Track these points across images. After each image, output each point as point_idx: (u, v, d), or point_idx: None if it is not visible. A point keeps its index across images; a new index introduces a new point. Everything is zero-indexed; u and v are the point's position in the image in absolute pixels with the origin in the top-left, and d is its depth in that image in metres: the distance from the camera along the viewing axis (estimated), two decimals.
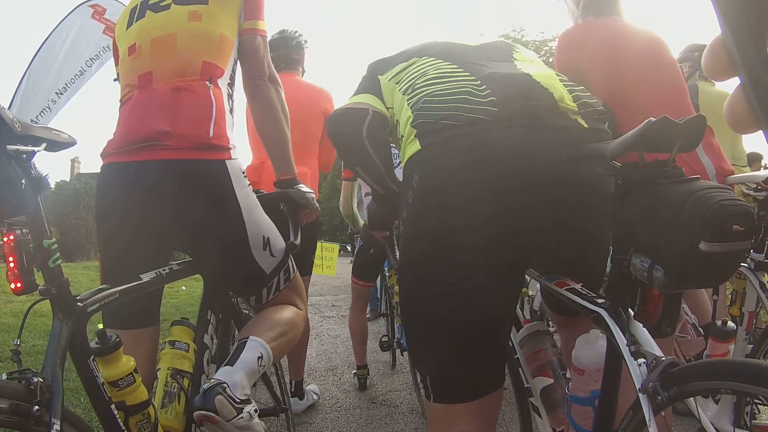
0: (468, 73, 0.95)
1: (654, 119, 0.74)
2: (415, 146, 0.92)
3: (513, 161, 0.86)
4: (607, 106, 1.03)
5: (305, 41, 2.55)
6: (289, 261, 1.39)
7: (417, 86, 0.99)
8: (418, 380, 2.52)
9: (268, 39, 1.41)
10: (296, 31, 2.54)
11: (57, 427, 0.80)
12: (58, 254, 0.90)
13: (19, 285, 0.86)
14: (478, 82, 0.92)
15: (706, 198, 0.71)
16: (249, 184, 1.29)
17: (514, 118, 0.87)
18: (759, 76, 0.56)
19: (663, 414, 0.76)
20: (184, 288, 5.48)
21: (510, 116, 0.87)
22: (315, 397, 2.62)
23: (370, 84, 1.16)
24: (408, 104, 0.99)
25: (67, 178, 26.12)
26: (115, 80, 1.42)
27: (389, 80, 1.11)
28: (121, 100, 1.31)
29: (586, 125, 0.92)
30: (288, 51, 2.47)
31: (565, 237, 0.94)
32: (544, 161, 0.87)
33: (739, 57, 0.55)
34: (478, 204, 0.87)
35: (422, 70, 1.03)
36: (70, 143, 0.95)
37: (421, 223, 0.92)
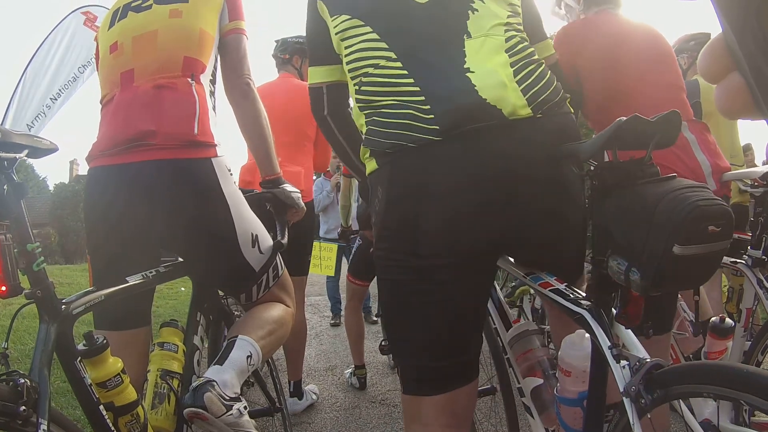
0: (412, 80, 0.93)
1: (624, 118, 0.73)
2: (373, 164, 0.98)
3: (461, 169, 0.89)
4: (577, 84, 1.02)
5: None
6: (277, 259, 1.39)
7: (366, 90, 0.98)
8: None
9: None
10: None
11: (44, 427, 0.81)
12: (42, 258, 0.91)
13: (3, 289, 0.86)
14: (423, 98, 0.91)
15: (681, 199, 0.70)
16: (235, 182, 1.29)
17: (457, 140, 0.89)
18: (759, 69, 0.56)
19: (649, 416, 0.75)
20: (183, 289, 5.47)
21: (452, 139, 0.89)
22: (314, 396, 2.62)
23: (315, 31, 1.10)
24: (360, 109, 1.01)
25: (66, 180, 26.08)
26: None
27: (336, 33, 1.04)
28: (102, 101, 1.31)
29: (539, 116, 0.92)
30: (294, 54, 2.53)
31: (525, 231, 0.95)
32: (495, 158, 0.89)
33: (739, 50, 0.55)
34: (437, 208, 0.90)
35: (368, 59, 0.98)
36: (51, 150, 0.96)
37: (388, 225, 0.96)
